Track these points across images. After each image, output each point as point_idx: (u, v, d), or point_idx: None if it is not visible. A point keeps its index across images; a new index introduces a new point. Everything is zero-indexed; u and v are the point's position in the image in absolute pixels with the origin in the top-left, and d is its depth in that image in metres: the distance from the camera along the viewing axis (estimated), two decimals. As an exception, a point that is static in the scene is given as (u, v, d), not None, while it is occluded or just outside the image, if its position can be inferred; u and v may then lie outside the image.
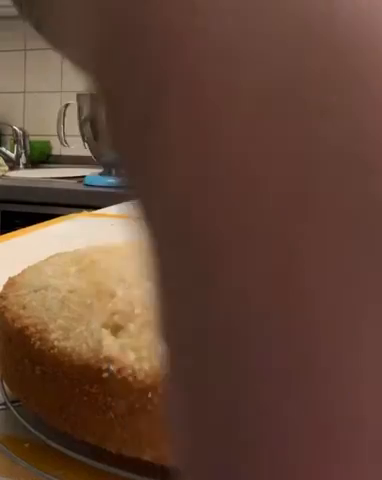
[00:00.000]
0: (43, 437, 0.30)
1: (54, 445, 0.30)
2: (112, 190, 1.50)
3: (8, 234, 0.86)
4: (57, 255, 0.42)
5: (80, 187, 1.57)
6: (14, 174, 1.84)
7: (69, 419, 0.29)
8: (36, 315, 0.32)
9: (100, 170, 1.63)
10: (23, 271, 0.39)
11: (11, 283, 0.37)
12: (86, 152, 1.65)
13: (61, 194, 1.53)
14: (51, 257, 0.42)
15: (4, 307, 0.34)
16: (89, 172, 1.64)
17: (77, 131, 1.62)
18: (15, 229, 0.88)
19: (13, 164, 2.02)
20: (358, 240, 0.09)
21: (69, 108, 1.62)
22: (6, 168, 1.83)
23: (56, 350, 0.29)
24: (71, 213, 1.03)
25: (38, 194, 1.55)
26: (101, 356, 0.28)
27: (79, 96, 1.61)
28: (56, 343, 0.30)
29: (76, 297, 0.33)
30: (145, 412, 0.27)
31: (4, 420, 0.33)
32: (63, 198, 1.51)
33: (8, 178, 1.74)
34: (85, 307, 0.32)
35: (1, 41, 2.20)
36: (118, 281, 0.35)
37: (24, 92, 2.25)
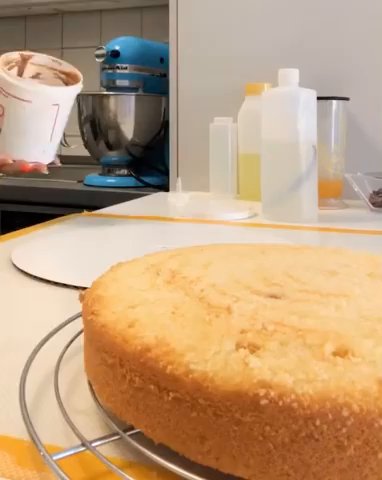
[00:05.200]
0: (177, 468, 0.27)
1: (191, 475, 0.26)
2: (112, 190, 1.50)
3: (8, 234, 0.86)
4: (122, 264, 0.40)
5: (80, 187, 1.57)
6: (14, 174, 1.84)
7: (213, 451, 0.26)
8: (151, 334, 0.28)
9: (100, 170, 1.63)
10: (98, 284, 0.36)
11: (97, 299, 0.34)
12: (86, 152, 1.65)
13: (61, 194, 1.53)
14: (117, 267, 0.39)
15: (104, 326, 0.31)
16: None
17: (77, 131, 1.61)
18: (15, 229, 0.88)
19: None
20: None
21: (69, 108, 1.62)
22: (6, 168, 1.83)
23: (195, 375, 0.26)
24: (71, 213, 1.03)
25: (38, 194, 1.55)
26: (254, 380, 0.25)
27: (79, 96, 1.61)
28: (192, 367, 0.26)
29: (188, 313, 0.31)
30: (312, 441, 0.24)
31: (121, 449, 0.30)
32: (63, 198, 1.51)
33: (8, 178, 1.74)
34: (205, 324, 0.29)
35: (1, 41, 2.20)
36: (220, 294, 0.33)
37: (24, 92, 2.24)
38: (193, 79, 1.34)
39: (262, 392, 0.24)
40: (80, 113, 1.59)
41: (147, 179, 1.52)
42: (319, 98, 1.00)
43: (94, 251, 0.77)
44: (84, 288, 0.38)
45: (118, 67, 1.58)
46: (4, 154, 0.85)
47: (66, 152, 1.97)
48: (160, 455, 0.27)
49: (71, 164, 2.05)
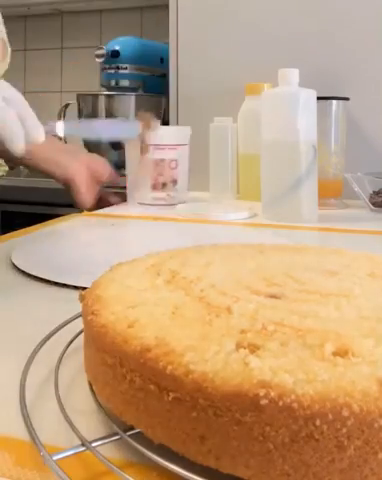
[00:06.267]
0: (177, 468, 0.27)
1: (191, 475, 0.26)
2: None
3: (8, 234, 0.86)
4: (122, 264, 0.40)
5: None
6: (14, 174, 1.84)
7: (213, 451, 0.26)
8: (152, 335, 0.28)
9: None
10: (98, 284, 0.36)
11: (97, 299, 0.34)
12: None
13: (61, 194, 1.53)
14: (117, 267, 0.39)
15: (104, 326, 0.31)
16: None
17: (77, 131, 1.61)
18: (15, 229, 0.88)
19: (13, 164, 2.01)
20: None
21: (69, 108, 1.62)
22: (6, 168, 1.83)
23: (195, 375, 0.26)
24: (71, 213, 1.03)
25: (38, 194, 1.55)
26: (254, 381, 0.25)
27: (79, 96, 1.61)
28: (192, 367, 0.26)
29: (188, 313, 0.31)
30: (312, 441, 0.24)
31: (121, 449, 0.30)
32: (63, 198, 1.51)
33: (8, 178, 1.74)
34: (205, 324, 0.29)
35: (1, 41, 2.20)
36: (220, 294, 0.33)
37: (24, 92, 2.24)
38: (193, 79, 1.34)
39: (262, 392, 0.24)
40: (80, 113, 1.59)
41: (147, 179, 1.52)
42: (319, 98, 1.00)
43: (94, 251, 0.77)
44: (84, 288, 0.38)
45: (118, 67, 1.58)
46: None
47: (66, 152, 1.98)
48: (160, 455, 0.27)
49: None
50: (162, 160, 0.92)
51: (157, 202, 0.96)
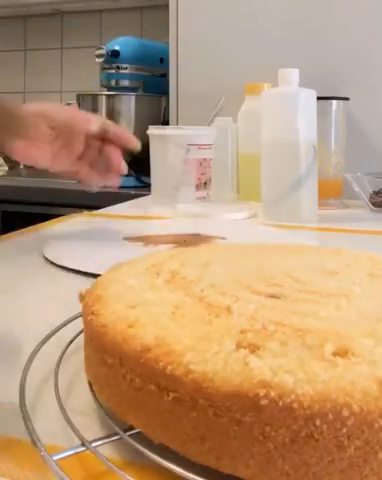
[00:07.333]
0: (177, 468, 0.26)
1: (191, 475, 0.26)
2: (112, 190, 1.50)
3: (8, 234, 0.86)
4: (122, 264, 0.40)
5: (80, 187, 1.57)
6: (14, 174, 1.84)
7: (213, 451, 0.26)
8: (152, 335, 0.28)
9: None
10: (98, 284, 0.36)
11: (97, 298, 0.34)
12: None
13: (61, 194, 1.53)
14: (117, 267, 0.39)
15: (104, 326, 0.31)
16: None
17: (77, 131, 1.61)
18: (15, 229, 0.88)
19: (13, 164, 2.02)
20: None
21: (69, 108, 1.62)
22: (6, 168, 1.83)
23: (195, 375, 0.25)
24: (71, 213, 1.03)
25: (38, 194, 1.55)
26: (254, 381, 0.24)
27: (79, 96, 1.61)
28: (192, 367, 0.26)
29: (188, 313, 0.31)
30: (312, 441, 0.24)
31: (121, 449, 0.30)
32: (63, 198, 1.51)
33: (8, 178, 1.74)
34: (205, 324, 0.29)
35: (1, 41, 2.20)
36: (220, 294, 0.33)
37: (24, 92, 2.25)
38: (193, 79, 1.34)
39: (262, 392, 0.24)
40: (80, 113, 1.59)
41: (147, 179, 1.52)
42: (319, 98, 1.00)
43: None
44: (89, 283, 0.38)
45: (118, 67, 1.58)
46: None
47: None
48: (160, 455, 0.27)
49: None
50: (205, 159, 0.95)
51: (199, 201, 0.97)
